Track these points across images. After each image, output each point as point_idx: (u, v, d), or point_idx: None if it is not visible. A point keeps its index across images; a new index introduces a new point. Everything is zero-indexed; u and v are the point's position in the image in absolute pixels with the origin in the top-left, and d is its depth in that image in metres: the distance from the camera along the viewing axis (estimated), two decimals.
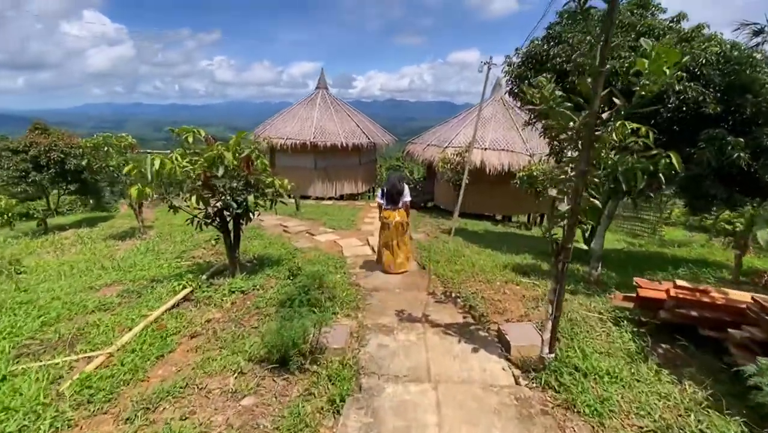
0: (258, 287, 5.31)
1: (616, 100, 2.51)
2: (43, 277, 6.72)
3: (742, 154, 5.58)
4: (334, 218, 11.33)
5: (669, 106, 6.01)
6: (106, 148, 9.05)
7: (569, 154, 3.45)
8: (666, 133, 6.20)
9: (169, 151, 5.11)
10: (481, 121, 12.13)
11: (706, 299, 3.59)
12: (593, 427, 2.69)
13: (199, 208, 5.22)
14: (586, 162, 2.60)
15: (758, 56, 6.22)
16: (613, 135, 2.78)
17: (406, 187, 6.10)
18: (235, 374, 3.22)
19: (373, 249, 7.65)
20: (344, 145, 15.99)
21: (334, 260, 6.85)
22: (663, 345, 3.78)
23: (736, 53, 6.00)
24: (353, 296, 5.11)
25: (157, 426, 2.69)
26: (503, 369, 3.45)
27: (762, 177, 5.89)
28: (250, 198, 5.01)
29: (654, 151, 2.84)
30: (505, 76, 8.50)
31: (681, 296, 3.63)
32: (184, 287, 5.21)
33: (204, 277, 5.63)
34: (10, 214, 9.98)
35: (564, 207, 2.74)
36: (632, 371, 3.27)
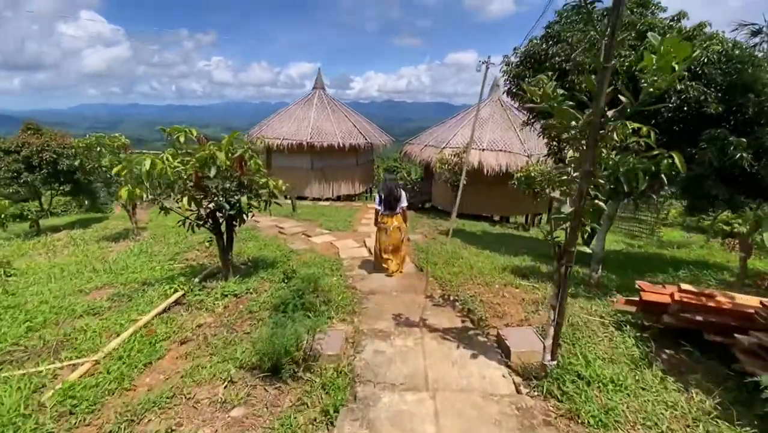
0: (251, 290, 5.19)
1: (622, 98, 2.41)
2: (32, 280, 6.56)
3: (744, 155, 5.49)
4: (330, 219, 11.21)
5: (670, 105, 5.92)
6: (98, 149, 8.89)
7: (570, 154, 3.35)
8: (666, 134, 6.11)
9: (160, 152, 4.98)
10: (478, 121, 12.04)
11: (711, 304, 3.49)
12: None
13: (191, 210, 5.09)
14: (591, 162, 2.50)
15: (760, 55, 6.16)
16: (614, 135, 2.69)
17: (403, 192, 6.14)
18: (225, 383, 3.10)
19: (370, 251, 7.54)
20: (341, 145, 15.86)
21: (330, 262, 6.73)
22: (667, 351, 3.67)
23: (737, 52, 5.92)
24: (349, 299, 4.99)
25: None
26: (503, 376, 3.34)
27: (764, 178, 5.81)
28: (243, 199, 4.88)
29: (656, 152, 2.74)
30: (503, 75, 8.40)
31: (686, 300, 3.53)
32: (176, 291, 5.08)
33: (196, 280, 5.50)
34: (2, 216, 9.81)
35: (567, 209, 2.63)
36: (637, 378, 3.17)
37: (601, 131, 2.42)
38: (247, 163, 4.88)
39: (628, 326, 4.00)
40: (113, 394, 3.06)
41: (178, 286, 5.17)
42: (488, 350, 3.74)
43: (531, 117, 8.36)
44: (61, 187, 11.59)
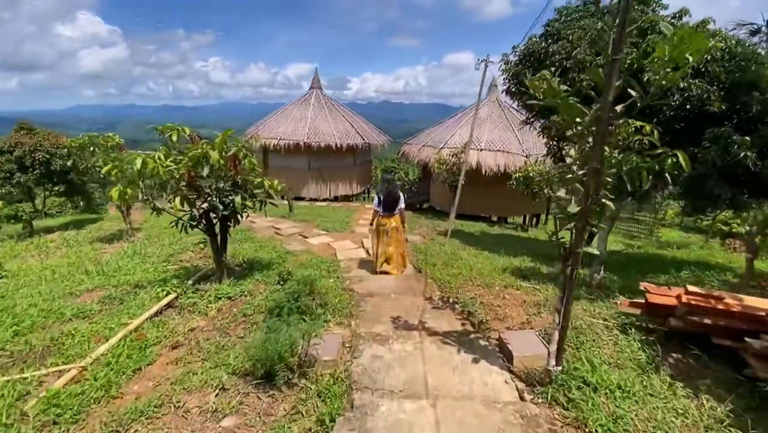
0: (246, 292, 5.05)
1: (631, 92, 2.30)
2: (23, 282, 6.42)
3: (748, 154, 5.40)
4: (328, 219, 11.08)
5: (672, 104, 5.84)
6: (92, 148, 8.74)
7: (572, 152, 3.24)
8: (668, 132, 6.02)
9: (153, 152, 4.85)
10: (477, 121, 11.94)
11: (720, 306, 3.39)
12: None
13: (184, 210, 4.96)
14: (599, 160, 2.39)
15: (762, 52, 6.08)
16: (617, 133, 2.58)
17: (401, 193, 6.22)
18: (217, 391, 2.96)
19: (368, 252, 7.42)
20: (338, 145, 15.76)
21: (327, 264, 6.60)
22: (674, 354, 3.56)
23: (740, 49, 5.84)
24: (346, 302, 4.86)
25: None
26: (506, 382, 3.22)
27: None
28: (238, 199, 4.75)
29: (659, 150, 2.63)
30: (502, 74, 8.31)
31: (693, 302, 3.42)
32: (168, 293, 4.95)
33: (190, 282, 5.37)
34: None
35: (573, 208, 2.52)
36: (644, 384, 3.06)
37: (609, 127, 2.31)
38: (241, 162, 4.75)
39: (632, 329, 3.89)
40: (99, 402, 2.93)
41: (171, 288, 5.03)
42: (490, 355, 3.62)
43: (530, 116, 8.27)
44: (54, 188, 11.42)
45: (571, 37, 6.74)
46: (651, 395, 2.93)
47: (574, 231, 2.65)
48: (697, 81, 5.62)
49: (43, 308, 4.88)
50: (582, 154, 2.63)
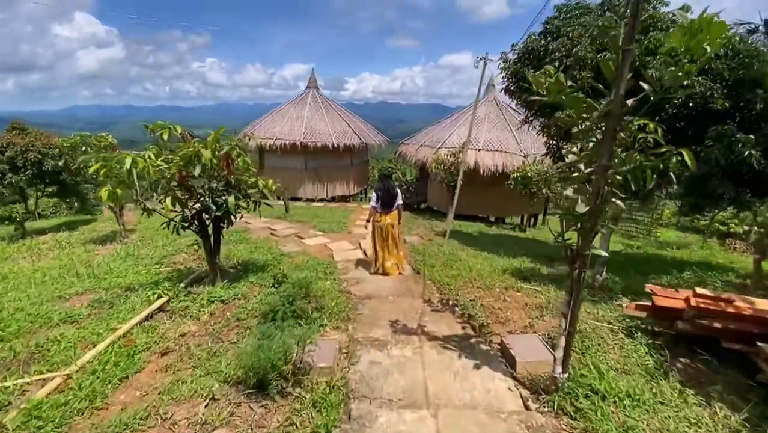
0: (240, 295, 4.91)
1: (644, 85, 2.18)
2: (12, 285, 6.24)
3: (753, 152, 5.31)
4: (324, 220, 10.94)
5: (675, 102, 5.74)
6: (84, 148, 8.56)
7: (574, 150, 3.12)
8: (670, 131, 5.93)
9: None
10: (474, 121, 11.83)
11: (730, 309, 3.27)
12: None
13: (176, 211, 4.82)
14: (608, 156, 2.27)
15: (764, 49, 5.98)
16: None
17: (398, 190, 6.25)
18: (207, 401, 2.82)
19: (365, 253, 7.29)
20: (335, 145, 15.61)
21: (324, 266, 6.46)
22: (682, 359, 3.45)
23: (743, 47, 5.74)
24: (343, 305, 4.73)
25: None
26: (509, 389, 3.09)
27: None
28: (231, 199, 4.60)
29: (664, 148, 2.52)
30: (500, 72, 8.19)
31: (703, 305, 3.31)
32: (159, 297, 4.79)
33: (182, 285, 5.21)
34: None
35: (582, 208, 2.39)
36: (654, 391, 2.94)
37: (621, 122, 2.18)
38: (234, 161, 4.60)
39: (638, 333, 3.78)
40: (83, 414, 2.78)
41: (162, 292, 4.88)
42: (492, 360, 3.49)
43: (530, 114, 8.16)
44: (47, 189, 11.21)
45: (571, 35, 6.63)
46: (662, 403, 2.81)
47: (581, 232, 2.52)
48: (700, 78, 5.52)
49: (30, 312, 4.72)
50: (589, 151, 2.51)
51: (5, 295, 5.63)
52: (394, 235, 6.14)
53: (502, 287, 5.31)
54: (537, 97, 2.96)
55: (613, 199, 2.42)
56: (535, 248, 9.39)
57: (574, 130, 2.84)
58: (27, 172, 10.39)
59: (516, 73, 7.83)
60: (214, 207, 4.69)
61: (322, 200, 16.43)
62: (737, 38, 5.86)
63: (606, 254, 2.62)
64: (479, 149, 14.07)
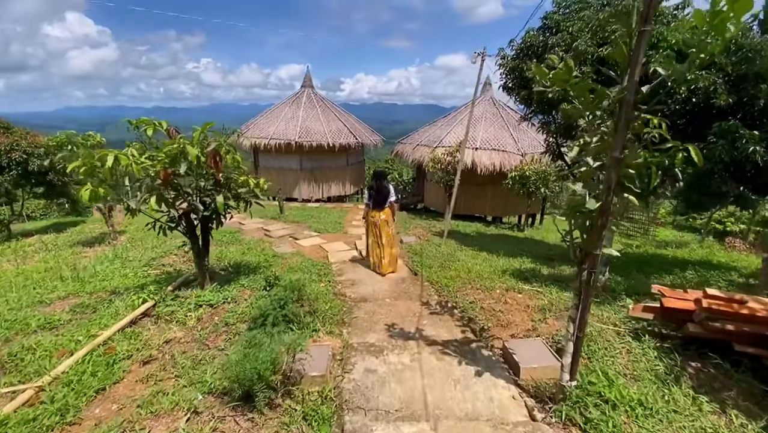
0: (230, 299, 4.70)
1: (660, 70, 2.00)
2: None
3: (757, 148, 5.17)
4: (320, 220, 10.74)
5: (677, 97, 5.59)
6: (70, 147, 8.30)
7: (576, 148, 2.96)
8: (671, 128, 5.78)
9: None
10: (471, 119, 11.68)
11: (744, 311, 3.11)
12: None
13: (162, 212, 4.60)
14: (621, 148, 2.09)
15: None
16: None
17: (391, 188, 6.29)
18: (188, 415, 2.61)
19: (360, 253, 7.11)
20: (331, 145, 15.40)
21: (318, 267, 6.27)
22: (693, 363, 3.28)
23: (747, 41, 5.61)
24: (338, 308, 4.53)
25: None
26: (513, 398, 2.91)
27: None
28: (219, 199, 4.39)
29: (669, 144, 2.35)
30: (498, 69, 8.04)
31: (715, 306, 3.14)
32: (145, 301, 4.57)
33: (169, 288, 4.99)
34: None
35: (592, 204, 2.21)
36: (666, 398, 2.77)
37: (636, 111, 2.01)
38: (222, 158, 4.39)
39: (646, 336, 3.61)
40: (52, 431, 2.56)
41: (148, 295, 4.66)
42: (494, 366, 3.31)
43: (528, 112, 8.01)
44: (33, 190, 10.92)
45: (571, 29, 6.48)
46: (675, 412, 2.64)
47: (591, 230, 2.35)
48: (704, 73, 5.38)
49: (7, 318, 4.48)
50: (598, 143, 2.33)
51: None
52: (388, 232, 6.14)
53: (503, 288, 5.14)
54: (540, 89, 2.79)
55: (626, 195, 2.25)
56: (534, 247, 9.24)
57: (581, 122, 2.67)
58: (12, 173, 10.09)
59: (514, 70, 7.68)
60: (201, 207, 4.48)
61: (317, 201, 16.22)
62: (739, 33, 5.73)
63: (617, 254, 2.43)
64: (476, 148, 13.92)
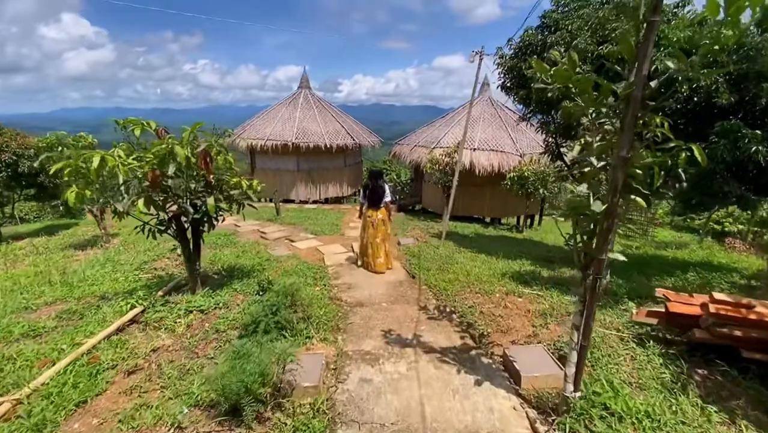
0: (221, 304, 4.56)
1: (669, 64, 1.89)
2: None
3: (760, 148, 5.07)
4: (316, 222, 10.61)
5: (679, 96, 5.50)
6: (60, 149, 8.14)
7: (576, 147, 2.84)
8: (672, 127, 5.69)
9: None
10: (469, 120, 11.57)
11: (752, 316, 3.00)
12: None
13: (151, 214, 4.47)
14: (629, 147, 1.97)
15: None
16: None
17: (387, 188, 6.33)
18: (172, 430, 2.47)
19: (357, 256, 6.99)
20: (328, 146, 15.26)
21: (314, 270, 6.13)
22: (699, 370, 3.17)
23: (748, 39, 5.52)
24: (333, 313, 4.40)
25: None
26: (514, 408, 2.79)
27: None
28: (209, 201, 4.25)
29: (672, 144, 2.24)
30: (496, 68, 7.93)
31: (723, 312, 3.03)
32: (133, 307, 4.43)
33: (160, 293, 4.85)
34: None
35: (598, 207, 2.09)
36: (674, 409, 2.65)
37: (644, 107, 1.89)
38: (212, 159, 4.25)
39: (650, 341, 3.50)
40: None
41: (137, 301, 4.52)
42: (494, 375, 3.19)
43: (527, 112, 7.91)
44: (24, 192, 10.75)
45: (570, 27, 6.38)
46: (683, 423, 2.52)
47: (597, 233, 2.23)
48: (705, 71, 5.27)
49: None
50: (603, 142, 2.21)
51: None
52: (385, 231, 6.21)
53: (502, 291, 5.01)
54: (541, 86, 2.68)
55: (633, 196, 2.13)
56: (533, 249, 9.12)
57: (584, 120, 2.56)
58: (1, 174, 9.92)
59: (513, 69, 7.58)
60: (192, 210, 4.34)
61: (315, 202, 16.07)
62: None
63: (623, 258, 2.31)
64: (475, 149, 13.81)
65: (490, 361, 3.41)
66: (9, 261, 8.27)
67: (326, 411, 2.67)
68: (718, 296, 3.20)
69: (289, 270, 6.11)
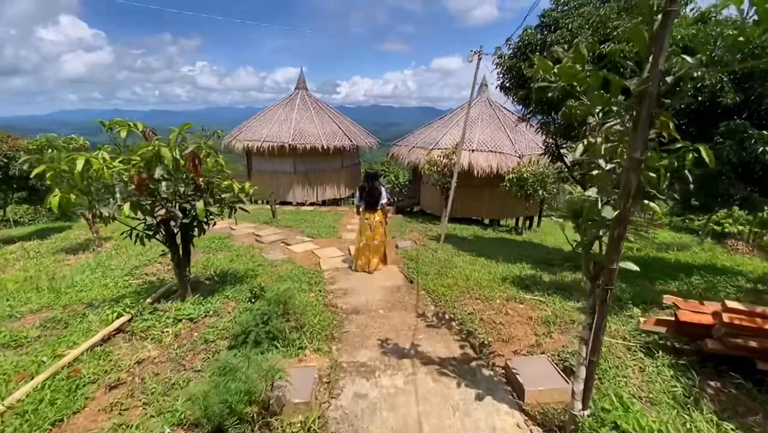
0: (212, 312, 4.39)
1: (687, 58, 1.74)
2: None
3: (767, 149, 4.93)
4: (313, 225, 10.44)
5: (684, 95, 5.35)
6: (50, 151, 7.96)
7: (580, 148, 2.70)
8: (676, 127, 5.56)
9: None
10: (468, 121, 11.43)
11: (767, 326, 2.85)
12: None
13: (138, 219, 4.30)
14: (643, 147, 1.82)
15: None
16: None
17: (383, 190, 6.32)
18: None
19: (354, 258, 6.83)
20: (325, 147, 15.10)
21: (309, 275, 5.96)
22: (711, 383, 3.02)
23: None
24: (327, 321, 4.23)
25: None
26: (518, 426, 2.62)
27: None
28: (199, 205, 4.08)
29: (679, 144, 2.10)
30: (495, 68, 7.79)
31: (737, 321, 2.88)
32: (119, 315, 4.26)
33: (148, 301, 4.68)
34: None
35: (609, 213, 1.94)
36: (688, 426, 2.49)
37: (660, 104, 1.74)
38: (201, 162, 4.08)
39: (659, 351, 3.34)
40: None
41: (123, 309, 4.35)
42: (496, 388, 3.02)
43: (527, 112, 7.76)
44: (14, 195, 10.56)
45: (570, 26, 6.24)
46: None
47: (608, 241, 2.07)
48: (710, 70, 5.14)
49: None
50: (614, 143, 2.06)
51: None
52: (382, 233, 6.27)
53: (503, 297, 4.85)
54: (545, 84, 2.53)
55: (646, 201, 1.98)
56: (533, 251, 8.96)
57: (590, 119, 2.41)
58: None
59: (512, 69, 7.44)
60: (180, 214, 4.17)
61: (312, 204, 15.90)
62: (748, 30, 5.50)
63: (636, 268, 2.15)
64: (473, 150, 13.67)
65: (492, 373, 3.24)
66: None
67: (318, 430, 2.50)
68: (730, 304, 3.05)
69: (284, 275, 5.94)
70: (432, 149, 14.06)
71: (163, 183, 4.09)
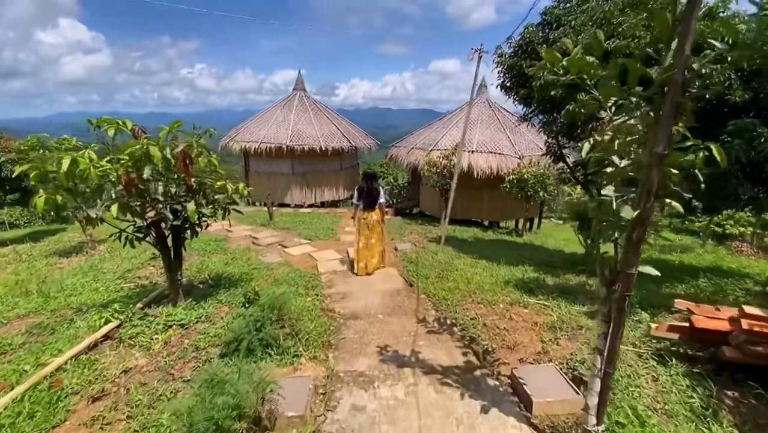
0: (204, 318, 4.22)
1: (715, 43, 1.59)
2: None
3: None
4: (311, 227, 10.27)
5: (689, 93, 5.22)
6: (42, 151, 7.79)
7: (587, 144, 2.55)
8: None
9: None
10: (467, 122, 11.28)
11: None
12: None
13: (128, 221, 4.14)
14: (666, 142, 1.67)
15: None
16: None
17: (381, 189, 6.35)
18: None
19: (352, 259, 6.68)
20: (323, 148, 14.94)
21: (306, 279, 5.80)
22: (729, 393, 2.85)
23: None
24: (324, 327, 4.06)
25: None
26: None
27: None
28: (190, 206, 3.91)
29: (690, 143, 1.96)
30: (496, 67, 7.64)
31: (757, 328, 2.72)
32: (108, 321, 4.08)
33: (139, 306, 4.51)
34: None
35: (629, 213, 1.79)
36: None
37: (686, 93, 1.59)
38: (192, 161, 3.92)
39: (673, 359, 3.18)
40: None
41: (112, 314, 4.17)
42: (501, 400, 2.86)
43: (528, 112, 7.61)
44: (8, 197, 10.39)
45: (573, 23, 6.10)
46: None
47: (625, 243, 1.91)
48: (718, 67, 5.00)
49: None
50: (634, 136, 1.91)
51: None
52: (380, 231, 6.29)
53: (506, 301, 4.69)
54: (552, 77, 2.39)
55: (668, 200, 1.82)
56: (535, 253, 8.80)
57: (602, 114, 2.26)
58: None
59: (513, 68, 7.29)
60: (171, 216, 4.01)
61: (310, 206, 15.74)
62: (754, 25, 5.37)
63: (656, 273, 2.00)
64: (473, 151, 13.52)
65: (497, 383, 3.08)
66: None
67: None
68: (749, 309, 2.90)
69: (280, 279, 5.77)
70: (431, 150, 13.91)
71: (153, 183, 3.94)
